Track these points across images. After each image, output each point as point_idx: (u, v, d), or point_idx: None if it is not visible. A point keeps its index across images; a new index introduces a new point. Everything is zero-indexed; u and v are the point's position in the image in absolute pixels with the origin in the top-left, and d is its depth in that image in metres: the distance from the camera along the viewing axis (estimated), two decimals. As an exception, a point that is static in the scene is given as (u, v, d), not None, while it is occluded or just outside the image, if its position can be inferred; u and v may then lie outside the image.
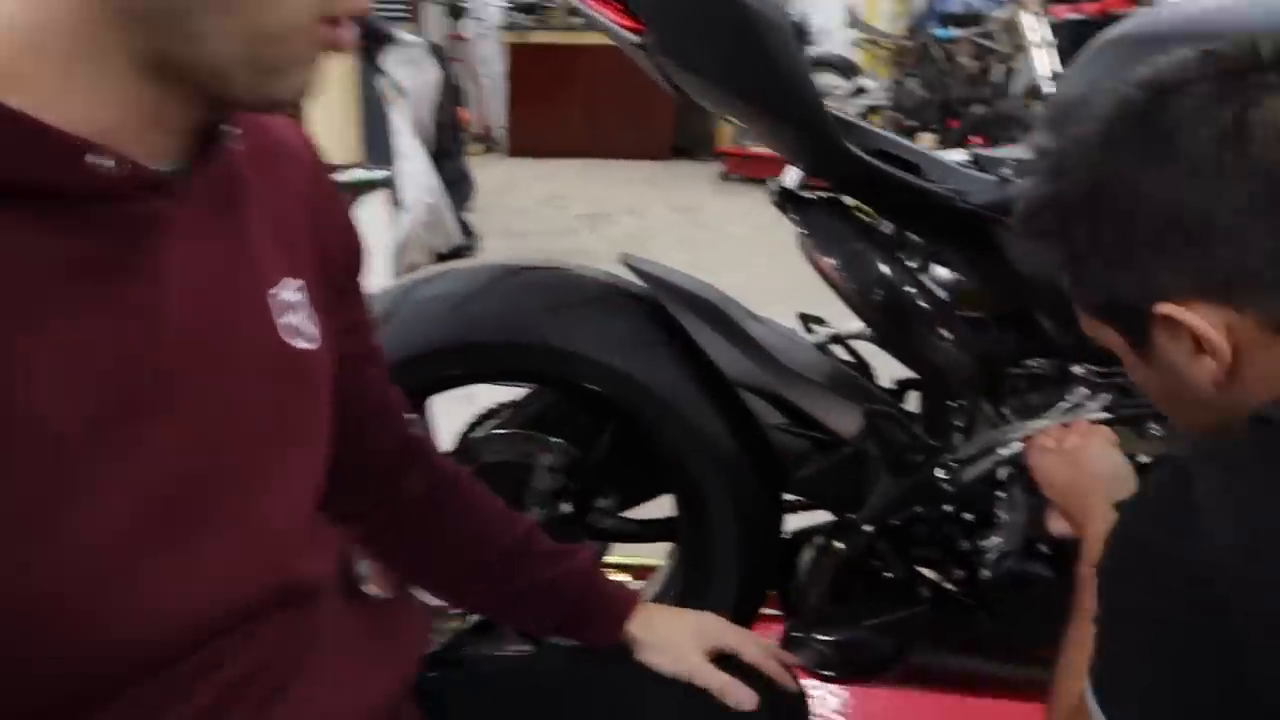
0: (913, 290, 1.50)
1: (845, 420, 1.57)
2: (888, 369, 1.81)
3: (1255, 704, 0.73)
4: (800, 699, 1.14)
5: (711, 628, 1.12)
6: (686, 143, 8.87)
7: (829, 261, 1.51)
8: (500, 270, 1.53)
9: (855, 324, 1.86)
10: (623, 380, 1.53)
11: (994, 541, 1.54)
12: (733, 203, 7.49)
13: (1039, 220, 1.04)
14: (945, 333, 1.51)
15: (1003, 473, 1.53)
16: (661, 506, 1.78)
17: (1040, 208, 1.03)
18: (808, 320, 1.90)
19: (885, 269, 1.50)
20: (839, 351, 1.81)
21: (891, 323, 1.51)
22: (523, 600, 1.08)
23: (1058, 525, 1.29)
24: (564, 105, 8.56)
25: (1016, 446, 1.51)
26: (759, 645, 1.13)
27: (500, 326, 1.49)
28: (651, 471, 1.70)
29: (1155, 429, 1.52)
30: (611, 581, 1.18)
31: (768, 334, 1.65)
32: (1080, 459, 1.28)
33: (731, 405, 1.55)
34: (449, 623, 1.83)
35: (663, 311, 1.56)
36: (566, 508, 1.66)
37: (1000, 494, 1.51)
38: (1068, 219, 0.97)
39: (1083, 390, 1.56)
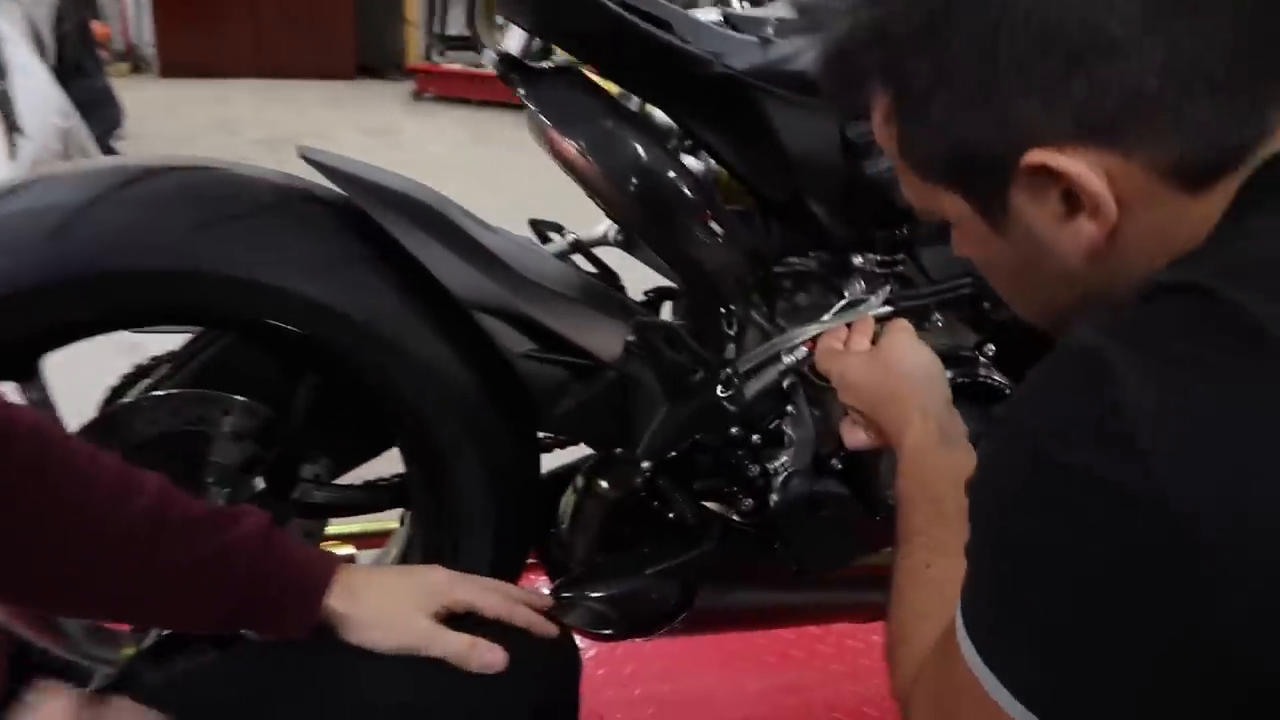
0: (674, 176, 1.24)
1: (605, 341, 1.30)
2: (635, 280, 1.56)
3: (1211, 662, 0.56)
4: (567, 647, 0.99)
5: (436, 583, 0.94)
6: (373, 61, 8.22)
7: (571, 144, 1.21)
8: (124, 173, 1.10)
9: (597, 229, 1.59)
10: (319, 312, 1.16)
11: (782, 461, 1.35)
12: (429, 123, 6.99)
13: (849, 64, 0.81)
14: (714, 226, 1.27)
15: (787, 384, 1.34)
16: (388, 464, 1.44)
17: (852, 46, 0.79)
18: (541, 228, 1.60)
19: (642, 151, 1.22)
20: (581, 263, 1.54)
21: (651, 216, 1.25)
22: (172, 590, 0.82)
23: (854, 437, 1.10)
24: (225, 19, 7.59)
25: (801, 352, 1.32)
26: (502, 593, 0.96)
27: (132, 249, 1.07)
28: (369, 424, 1.35)
29: (939, 320, 1.38)
30: (299, 548, 0.92)
31: (501, 243, 1.33)
32: (884, 359, 1.09)
33: (464, 332, 1.24)
34: (120, 649, 1.42)
35: (363, 220, 1.20)
36: (262, 484, 1.28)
37: (788, 408, 1.32)
38: (897, 53, 0.75)
39: (860, 284, 1.39)
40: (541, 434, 1.47)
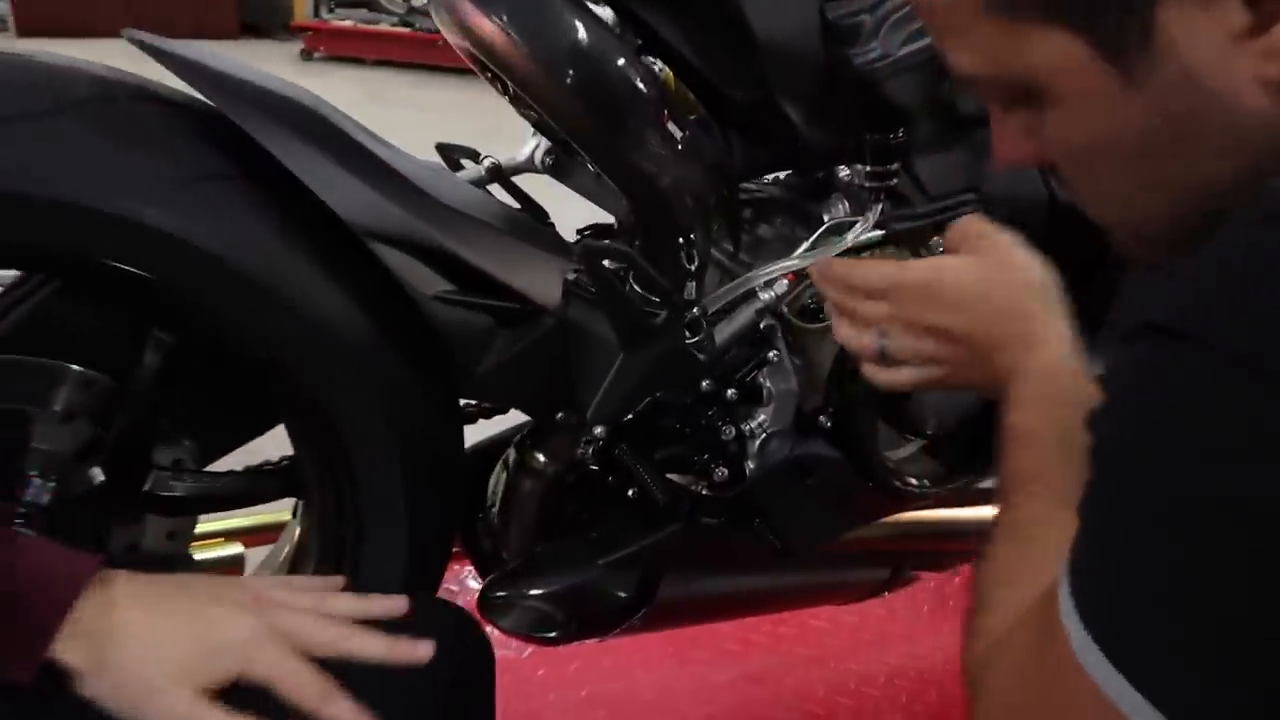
0: (624, 64, 0.98)
1: (541, 280, 1.05)
2: (565, 219, 1.31)
3: None
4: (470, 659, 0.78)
5: (229, 638, 0.68)
6: (256, 18, 7.70)
7: (492, 21, 0.94)
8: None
9: (520, 154, 1.32)
10: (165, 245, 0.88)
11: (760, 421, 1.12)
12: (319, 84, 6.51)
13: None
14: (672, 130, 1.02)
15: (764, 325, 1.10)
16: (272, 446, 1.16)
17: None
18: (451, 154, 1.33)
19: (582, 30, 0.96)
20: (501, 196, 1.28)
21: (594, 114, 0.99)
22: None
23: (893, 375, 0.86)
24: (87, -27, 6.95)
25: (781, 287, 1.08)
26: (339, 630, 0.72)
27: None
28: (242, 395, 1.07)
29: (940, 246, 1.16)
30: (33, 562, 0.65)
31: (404, 162, 1.06)
32: (1002, 261, 0.84)
33: (359, 269, 0.97)
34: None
35: (223, 125, 0.92)
36: (101, 475, 0.99)
37: (767, 355, 1.08)
38: None
39: (843, 205, 1.16)
40: (463, 400, 1.21)
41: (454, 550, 1.24)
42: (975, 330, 0.80)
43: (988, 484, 1.23)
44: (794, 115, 1.10)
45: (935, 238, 1.15)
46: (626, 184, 1.06)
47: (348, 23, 7.24)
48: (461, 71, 6.94)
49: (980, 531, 0.72)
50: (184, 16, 7.28)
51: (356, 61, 7.02)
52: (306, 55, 7.19)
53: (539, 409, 1.14)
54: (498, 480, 1.32)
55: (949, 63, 0.62)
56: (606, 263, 0.94)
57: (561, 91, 0.97)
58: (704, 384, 1.03)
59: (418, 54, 6.71)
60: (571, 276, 1.10)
